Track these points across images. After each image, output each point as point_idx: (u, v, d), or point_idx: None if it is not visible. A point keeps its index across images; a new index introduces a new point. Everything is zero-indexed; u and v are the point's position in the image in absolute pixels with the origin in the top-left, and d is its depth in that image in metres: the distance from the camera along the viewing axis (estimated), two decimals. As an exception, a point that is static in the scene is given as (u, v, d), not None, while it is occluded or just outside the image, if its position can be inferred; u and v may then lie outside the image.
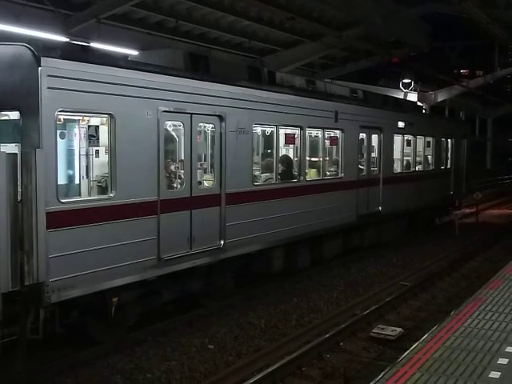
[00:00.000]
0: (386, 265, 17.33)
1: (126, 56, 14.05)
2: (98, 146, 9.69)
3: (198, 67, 11.80)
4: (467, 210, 28.56)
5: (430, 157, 22.56)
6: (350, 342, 10.92)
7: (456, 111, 54.11)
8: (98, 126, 9.47)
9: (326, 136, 15.46)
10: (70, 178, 9.98)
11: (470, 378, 6.80)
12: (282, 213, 13.39)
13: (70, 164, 9.92)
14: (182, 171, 10.95)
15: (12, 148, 8.59)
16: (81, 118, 9.62)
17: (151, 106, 10.02)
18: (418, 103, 32.94)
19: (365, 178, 17.34)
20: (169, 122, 10.70)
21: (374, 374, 7.93)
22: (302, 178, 14.29)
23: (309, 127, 14.58)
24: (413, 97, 35.17)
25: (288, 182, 14.00)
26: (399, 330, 11.27)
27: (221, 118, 11.54)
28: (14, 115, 8.63)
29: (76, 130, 9.80)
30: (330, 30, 25.84)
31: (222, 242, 11.65)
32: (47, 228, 8.28)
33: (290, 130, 14.02)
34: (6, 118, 8.97)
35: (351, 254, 17.38)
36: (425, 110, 33.47)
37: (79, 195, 9.44)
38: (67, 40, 18.09)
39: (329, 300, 13.58)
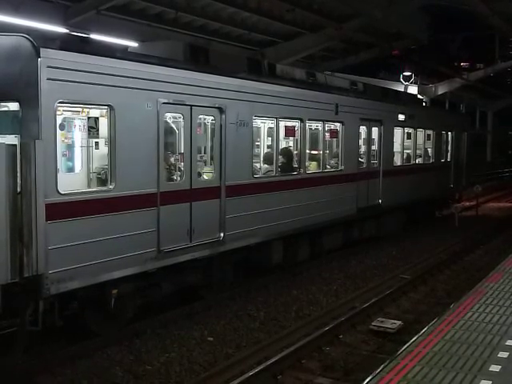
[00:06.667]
0: (385, 257, 17.33)
1: (125, 47, 14.00)
2: (98, 137, 9.67)
3: (197, 59, 11.75)
4: (467, 203, 28.56)
5: (430, 150, 22.53)
6: (350, 335, 10.92)
7: (456, 104, 54.05)
8: (97, 118, 9.44)
9: (326, 128, 15.41)
10: (70, 170, 9.96)
11: (470, 372, 6.79)
12: (282, 205, 13.37)
13: (69, 155, 9.91)
14: (182, 163, 10.91)
15: (11, 139, 8.55)
16: (80, 109, 9.60)
17: (151, 98, 9.97)
18: (419, 96, 32.92)
19: (365, 170, 17.31)
20: (168, 114, 10.65)
21: (374, 366, 7.92)
22: (301, 170, 14.26)
23: (309, 120, 14.54)
24: (413, 89, 35.13)
25: (288, 174, 13.96)
26: (399, 322, 11.26)
27: (221, 110, 11.50)
28: (14, 106, 8.58)
29: (76, 122, 9.79)
30: (330, 22, 25.80)
31: (222, 235, 11.63)
32: (46, 220, 8.25)
33: (290, 123, 13.97)
34: (6, 109, 8.92)
35: (351, 246, 17.36)
36: (425, 102, 33.42)
37: (78, 187, 9.42)
38: (67, 31, 18.05)
39: (328, 292, 13.58)
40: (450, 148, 24.47)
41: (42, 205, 8.19)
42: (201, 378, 8.84)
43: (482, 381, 6.56)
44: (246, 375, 8.59)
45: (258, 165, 13.63)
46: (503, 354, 7.31)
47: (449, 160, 24.46)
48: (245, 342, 10.43)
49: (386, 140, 18.47)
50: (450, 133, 24.28)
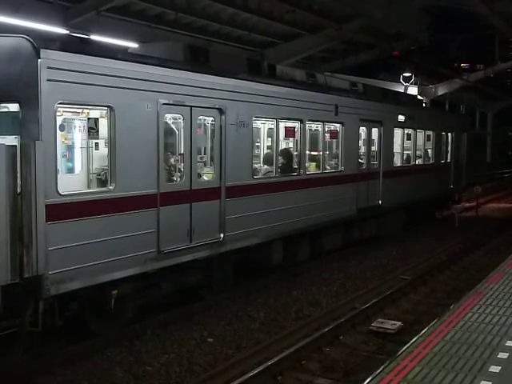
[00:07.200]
0: (385, 258, 17.33)
1: (125, 48, 14.00)
2: (98, 138, 9.67)
3: (197, 60, 11.75)
4: (467, 204, 28.56)
5: (430, 150, 22.55)
6: (350, 336, 10.92)
7: (456, 105, 54.06)
8: (97, 119, 9.44)
9: (326, 129, 15.42)
10: (70, 171, 9.96)
11: (470, 372, 6.79)
12: (282, 206, 13.36)
13: (69, 156, 9.91)
14: (182, 164, 10.92)
15: (11, 140, 8.56)
16: (80, 110, 9.61)
17: (151, 99, 9.98)
18: (419, 97, 32.92)
19: (365, 171, 17.31)
20: (168, 115, 10.67)
21: (374, 367, 7.92)
22: (301, 171, 14.26)
23: (309, 120, 14.54)
24: (413, 90, 35.14)
25: (288, 175, 13.97)
26: (399, 323, 11.26)
27: (221, 110, 11.50)
28: (14, 107, 8.59)
29: (76, 123, 9.80)
30: (330, 23, 25.80)
31: (222, 235, 11.64)
32: (46, 220, 8.26)
33: (290, 124, 13.97)
34: (6, 109, 8.92)
35: (351, 246, 17.36)
36: (425, 103, 33.42)
37: (79, 188, 9.42)
38: (67, 32, 18.06)
39: (328, 293, 13.57)
40: (449, 149, 24.48)
41: (42, 205, 8.20)
42: (201, 379, 8.83)
43: (482, 381, 6.56)
44: (246, 376, 8.59)
45: (257, 165, 13.64)
46: (503, 355, 7.31)
47: (449, 161, 24.48)
48: (245, 343, 10.43)
49: (386, 141, 18.48)
50: (449, 133, 24.29)
